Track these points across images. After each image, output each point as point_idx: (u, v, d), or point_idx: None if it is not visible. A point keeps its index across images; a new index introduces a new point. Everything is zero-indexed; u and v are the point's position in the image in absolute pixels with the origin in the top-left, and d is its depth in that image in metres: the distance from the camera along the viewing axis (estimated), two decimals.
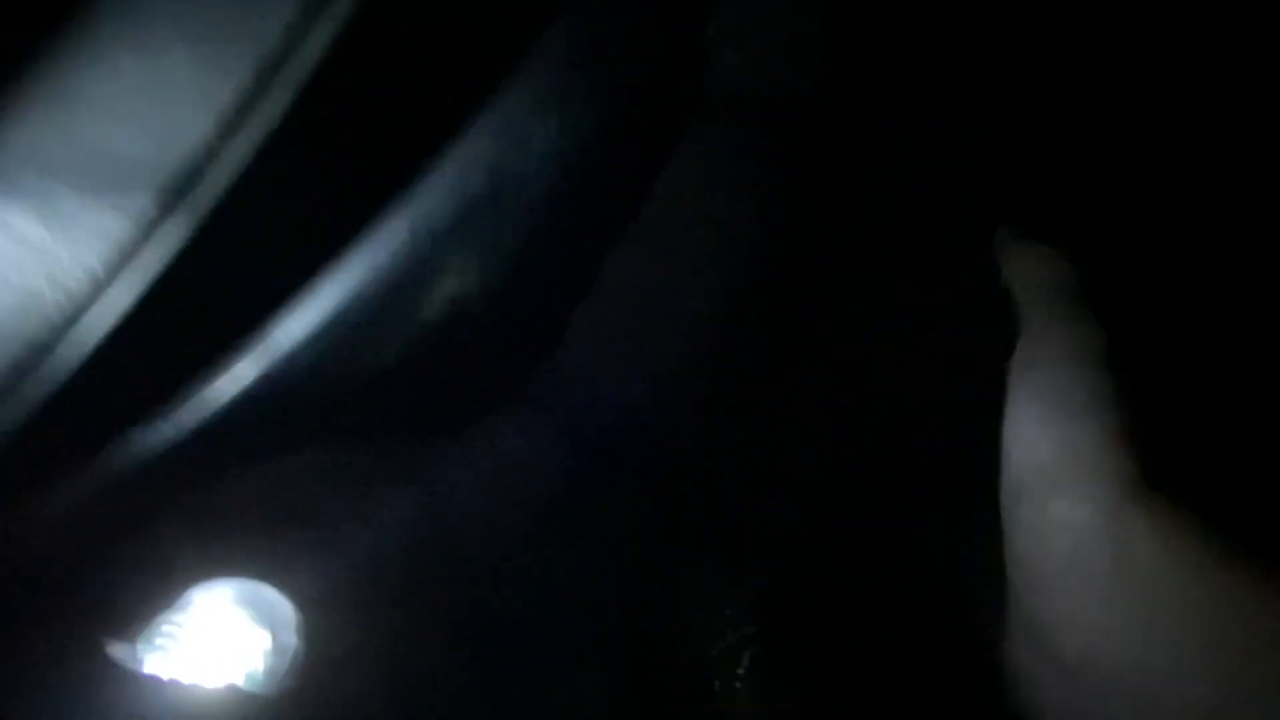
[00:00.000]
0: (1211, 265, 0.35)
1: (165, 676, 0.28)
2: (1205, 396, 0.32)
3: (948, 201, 0.37)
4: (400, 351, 0.31)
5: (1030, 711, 0.30)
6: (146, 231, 0.26)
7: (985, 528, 0.31)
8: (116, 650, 0.28)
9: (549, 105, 0.32)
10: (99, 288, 0.26)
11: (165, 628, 0.29)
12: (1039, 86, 0.37)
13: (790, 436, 0.41)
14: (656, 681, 0.43)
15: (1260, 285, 0.34)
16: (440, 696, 0.32)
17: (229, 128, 0.26)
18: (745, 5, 0.37)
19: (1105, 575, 0.27)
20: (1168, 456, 0.29)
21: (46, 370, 0.25)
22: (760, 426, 0.40)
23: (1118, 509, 0.28)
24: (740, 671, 0.46)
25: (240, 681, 0.29)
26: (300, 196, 0.28)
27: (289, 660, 0.29)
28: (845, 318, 0.37)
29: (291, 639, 0.29)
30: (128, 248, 0.26)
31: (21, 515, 0.26)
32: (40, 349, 0.25)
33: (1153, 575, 0.27)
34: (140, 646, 0.28)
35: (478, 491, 0.33)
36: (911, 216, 0.37)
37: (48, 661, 0.28)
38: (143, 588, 0.29)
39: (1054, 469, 0.29)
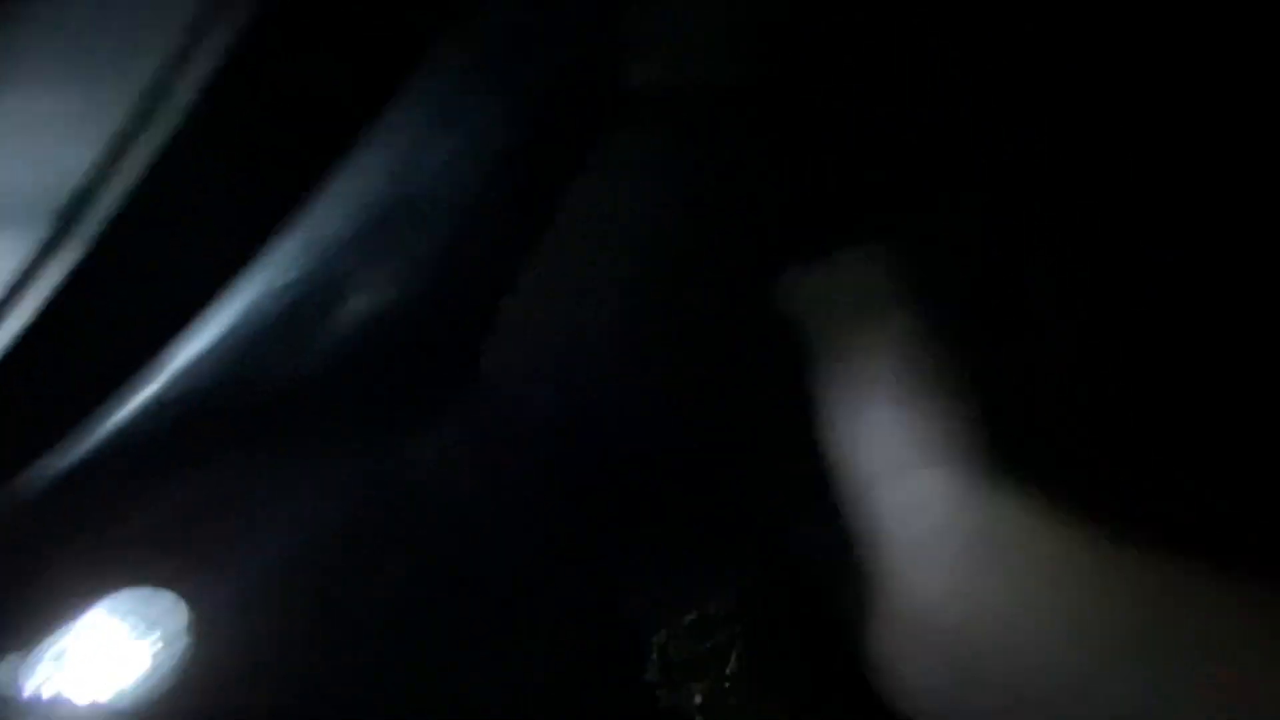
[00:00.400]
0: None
1: (46, 697, 0.29)
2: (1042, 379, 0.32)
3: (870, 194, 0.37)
4: (313, 365, 0.31)
5: (906, 702, 0.30)
6: (40, 259, 0.26)
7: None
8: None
9: (449, 113, 0.32)
10: None
11: (54, 648, 0.29)
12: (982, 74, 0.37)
13: (747, 433, 0.41)
14: (625, 679, 0.43)
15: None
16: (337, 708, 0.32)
17: (116, 153, 0.27)
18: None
19: (975, 545, 0.27)
20: (1012, 431, 0.29)
21: None
22: (706, 424, 0.40)
23: (980, 478, 0.28)
24: (728, 671, 0.46)
25: (114, 696, 0.29)
26: (193, 216, 0.29)
27: (173, 670, 0.29)
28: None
29: (181, 647, 0.29)
30: (22, 276, 0.26)
31: None
32: None
33: (1022, 541, 0.27)
34: (22, 669, 0.29)
35: (395, 502, 0.33)
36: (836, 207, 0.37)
37: None
38: (35, 609, 0.29)
39: (905, 449, 0.29)
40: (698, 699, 0.45)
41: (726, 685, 0.45)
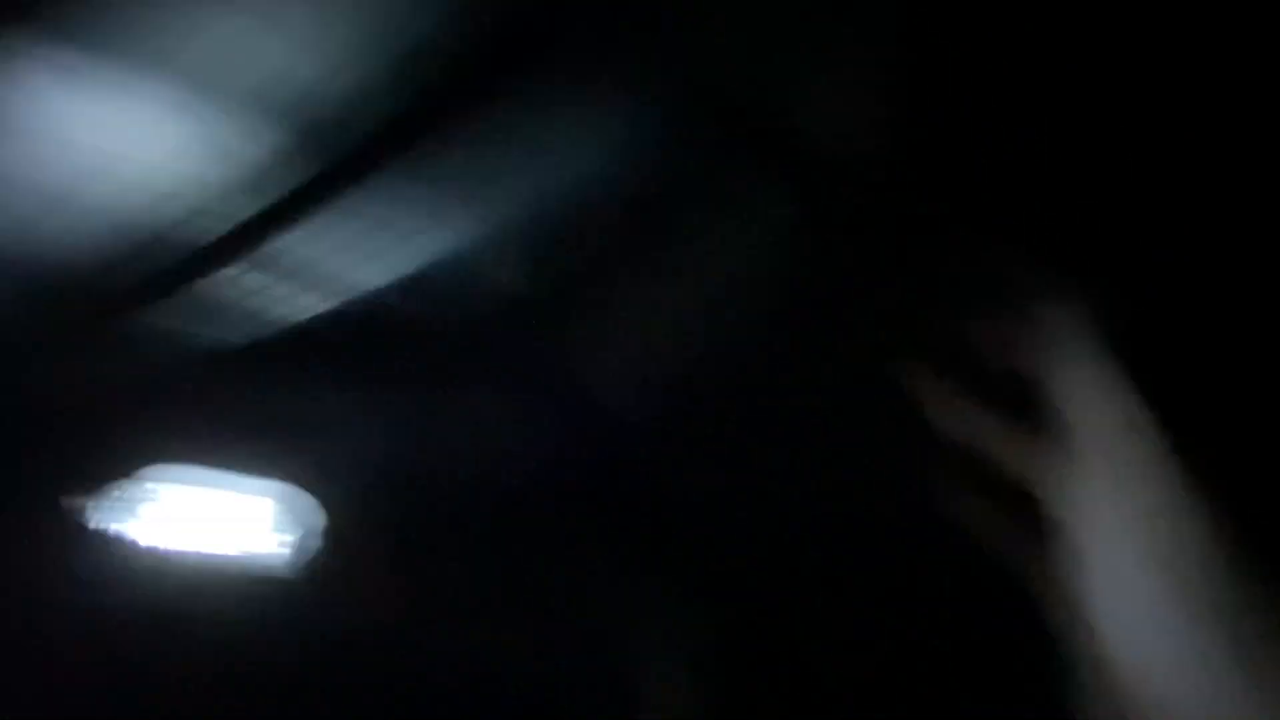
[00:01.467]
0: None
1: (131, 538, 0.30)
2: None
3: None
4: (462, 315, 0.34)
5: None
6: None
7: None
8: (70, 504, 0.30)
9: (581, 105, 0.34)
10: None
11: (123, 493, 0.31)
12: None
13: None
14: None
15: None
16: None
17: None
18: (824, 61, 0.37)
19: None
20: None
21: None
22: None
23: None
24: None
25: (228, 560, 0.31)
26: None
27: (308, 555, 0.31)
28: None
29: (316, 540, 0.31)
30: None
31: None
32: None
33: None
34: (94, 505, 0.30)
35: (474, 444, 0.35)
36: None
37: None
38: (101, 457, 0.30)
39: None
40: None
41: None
